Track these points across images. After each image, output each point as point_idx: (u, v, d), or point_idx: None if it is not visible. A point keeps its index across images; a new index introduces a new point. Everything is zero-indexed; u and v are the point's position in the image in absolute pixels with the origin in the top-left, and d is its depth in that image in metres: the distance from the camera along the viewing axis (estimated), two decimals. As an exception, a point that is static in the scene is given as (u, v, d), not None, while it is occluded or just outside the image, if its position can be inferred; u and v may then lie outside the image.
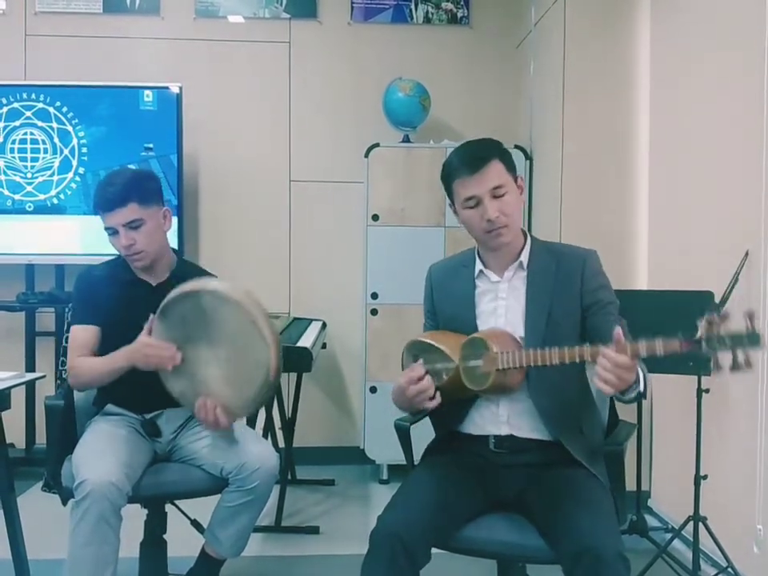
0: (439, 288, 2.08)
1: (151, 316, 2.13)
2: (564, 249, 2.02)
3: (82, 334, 2.28)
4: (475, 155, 1.88)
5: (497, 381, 1.79)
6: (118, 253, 2.34)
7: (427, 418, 2.10)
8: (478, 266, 2.01)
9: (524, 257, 1.97)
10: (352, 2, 4.32)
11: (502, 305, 1.96)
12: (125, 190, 2.22)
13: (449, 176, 1.93)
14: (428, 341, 1.94)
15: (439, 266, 2.14)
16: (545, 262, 1.96)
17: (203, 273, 2.46)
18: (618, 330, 1.61)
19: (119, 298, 2.28)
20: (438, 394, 1.83)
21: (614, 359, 1.58)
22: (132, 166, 3.82)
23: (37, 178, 4.00)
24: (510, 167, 1.91)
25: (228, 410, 2.12)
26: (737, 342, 1.49)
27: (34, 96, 3.98)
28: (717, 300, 2.60)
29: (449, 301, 2.04)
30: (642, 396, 1.74)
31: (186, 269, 2.43)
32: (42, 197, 4.00)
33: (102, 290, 2.30)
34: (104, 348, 2.27)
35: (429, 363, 1.89)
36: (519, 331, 1.90)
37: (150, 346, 2.12)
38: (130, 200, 2.21)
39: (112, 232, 2.25)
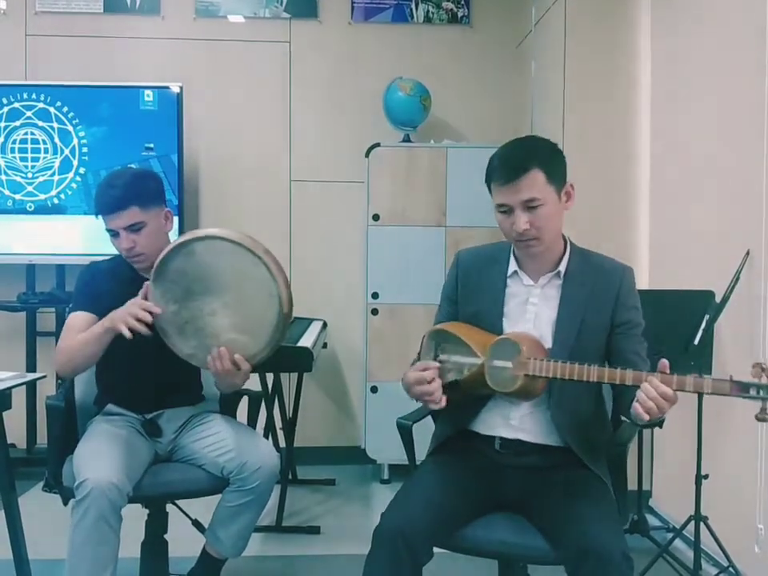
0: (467, 277, 2.01)
1: (146, 282, 2.07)
2: (603, 261, 1.96)
3: (78, 320, 2.22)
4: (515, 163, 1.81)
5: (523, 386, 1.75)
6: (118, 253, 2.33)
7: (429, 417, 2.10)
8: (513, 265, 1.95)
9: (562, 266, 1.92)
10: (352, 2, 4.32)
11: (531, 310, 1.91)
12: (125, 194, 2.19)
13: (488, 175, 1.87)
14: (455, 333, 1.89)
15: (469, 254, 2.06)
16: (582, 273, 1.91)
17: None
18: (664, 362, 1.60)
19: (120, 294, 2.26)
20: (444, 397, 1.78)
21: (660, 389, 1.56)
22: (133, 166, 3.82)
23: (37, 177, 4.00)
24: (553, 176, 1.82)
25: (246, 357, 2.06)
26: None
27: (34, 96, 3.98)
28: (717, 300, 2.61)
29: (475, 294, 1.97)
30: (662, 422, 1.73)
31: None
32: (42, 197, 4.00)
33: (104, 284, 2.29)
34: None
35: (451, 355, 1.85)
36: (546, 340, 1.86)
37: (134, 303, 2.04)
38: (130, 204, 2.18)
39: (113, 234, 2.23)
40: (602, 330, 1.89)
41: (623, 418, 2.00)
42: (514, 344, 1.77)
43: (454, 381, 1.83)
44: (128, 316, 2.03)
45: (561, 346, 1.85)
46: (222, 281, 2.02)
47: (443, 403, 1.79)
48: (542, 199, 1.80)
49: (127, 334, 2.01)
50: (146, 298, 2.07)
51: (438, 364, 1.82)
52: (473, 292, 1.98)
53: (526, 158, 1.82)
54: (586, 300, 1.89)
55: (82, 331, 2.18)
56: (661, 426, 1.77)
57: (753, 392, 1.50)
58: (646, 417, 1.58)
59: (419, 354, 1.98)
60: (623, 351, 1.87)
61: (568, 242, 1.96)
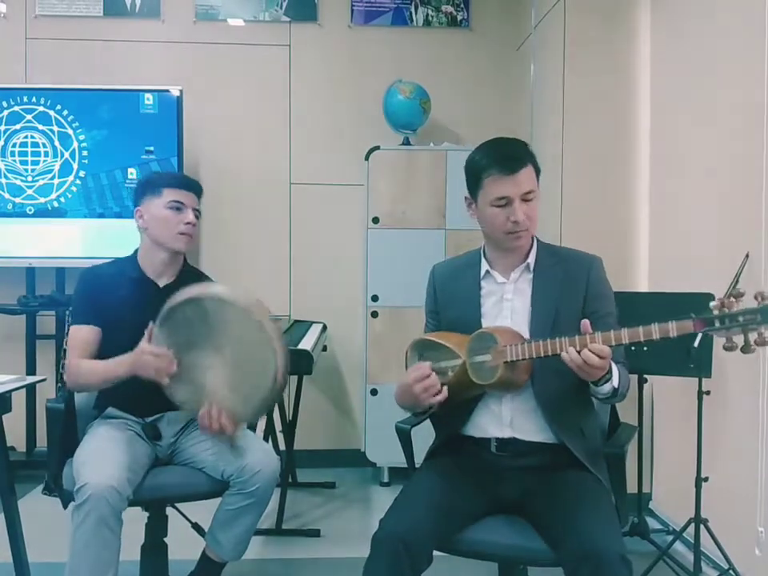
0: (443, 288, 2.07)
1: (151, 323, 2.12)
2: (570, 253, 2.02)
3: (82, 334, 2.28)
4: (513, 156, 1.88)
5: (504, 375, 1.78)
6: (118, 256, 2.38)
7: (428, 421, 2.10)
8: (484, 266, 2.01)
9: (531, 259, 1.97)
10: (352, 5, 4.33)
11: (507, 306, 1.96)
12: (196, 184, 2.43)
13: (480, 170, 1.89)
14: (433, 339, 1.95)
15: (443, 266, 2.14)
16: (551, 265, 1.97)
17: (207, 279, 2.47)
18: (585, 322, 1.69)
19: (124, 297, 2.28)
20: (444, 388, 1.83)
21: (572, 353, 1.68)
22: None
23: (37, 181, 4.00)
24: (538, 174, 1.93)
25: (233, 417, 2.10)
26: (750, 319, 1.50)
27: (34, 99, 3.99)
28: (717, 302, 2.60)
29: (453, 301, 2.03)
30: (616, 393, 1.80)
31: (191, 273, 2.45)
32: (42, 200, 4.00)
33: (105, 289, 2.30)
34: (108, 347, 2.27)
35: (434, 361, 1.88)
36: (524, 333, 1.90)
37: (146, 352, 2.10)
38: (201, 191, 2.43)
39: (178, 206, 2.33)
40: (575, 320, 1.89)
41: (621, 413, 2.09)
42: (489, 336, 1.82)
43: (441, 385, 1.84)
44: (149, 369, 2.09)
45: (538, 336, 1.87)
46: (224, 339, 2.06)
47: (446, 393, 1.83)
48: (535, 192, 1.89)
49: (166, 382, 2.11)
50: (150, 339, 2.12)
51: (428, 363, 1.86)
52: (450, 299, 2.04)
53: (523, 152, 1.91)
54: (557, 290, 1.93)
55: (85, 346, 2.25)
56: (618, 396, 1.84)
57: (716, 324, 1.55)
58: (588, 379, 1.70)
59: (406, 368, 2.01)
60: None
61: (534, 238, 2.01)
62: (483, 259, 2.02)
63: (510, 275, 1.98)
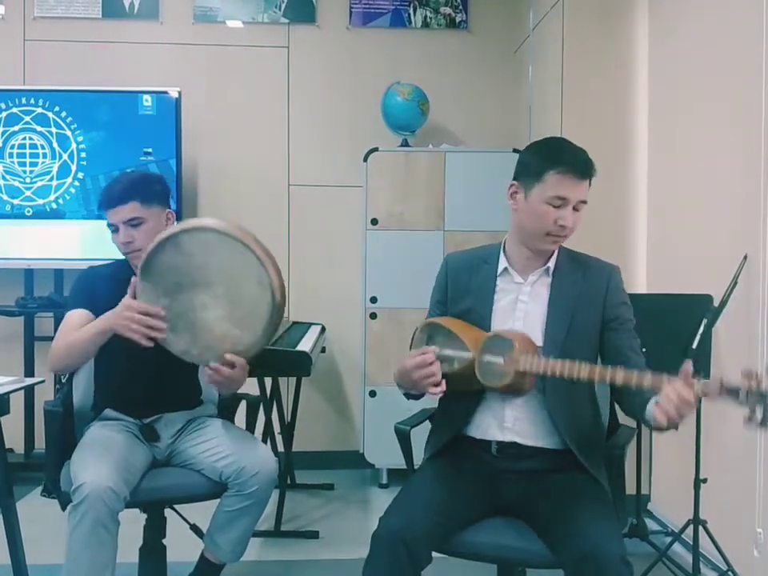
0: (456, 279, 2.02)
1: (133, 278, 2.05)
2: (590, 260, 2.00)
3: (74, 318, 2.23)
4: (586, 164, 1.86)
5: (513, 382, 1.76)
6: (118, 257, 2.35)
7: (428, 422, 2.10)
8: (503, 263, 1.98)
9: (551, 263, 1.95)
10: (350, 7, 4.33)
11: (521, 308, 1.93)
12: (128, 189, 2.24)
13: (549, 163, 1.84)
14: (448, 327, 1.89)
15: (458, 257, 2.08)
16: (571, 271, 1.95)
17: None
18: (689, 365, 1.58)
19: (118, 296, 2.27)
20: (443, 382, 1.79)
21: (682, 394, 1.55)
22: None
23: (36, 182, 4.00)
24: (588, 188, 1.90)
25: (240, 351, 2.02)
26: None
27: (32, 101, 3.99)
28: (716, 304, 2.61)
29: (466, 294, 1.99)
30: (677, 426, 1.70)
31: None
32: (40, 201, 4.00)
33: (101, 286, 2.29)
34: (102, 348, 2.21)
35: (442, 348, 1.85)
36: (536, 337, 1.87)
37: (132, 308, 2.00)
38: (131, 198, 2.22)
39: (114, 229, 2.26)
40: (591, 328, 1.91)
41: (620, 415, 2.02)
42: (506, 340, 1.79)
43: (443, 374, 1.81)
44: (132, 323, 1.99)
45: (551, 343, 1.87)
46: (211, 273, 1.97)
47: (443, 386, 1.79)
48: (585, 204, 1.88)
49: (146, 343, 2.00)
50: (134, 294, 2.04)
51: (435, 348, 1.82)
52: (463, 292, 2.00)
53: (592, 164, 1.88)
54: (575, 298, 1.91)
55: (79, 328, 2.18)
56: (677, 429, 1.73)
57: (741, 397, 1.50)
58: (664, 421, 1.57)
59: (410, 347, 1.98)
60: (619, 347, 1.88)
61: None
62: (502, 255, 1.98)
63: (529, 277, 1.95)
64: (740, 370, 1.53)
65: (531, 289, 1.94)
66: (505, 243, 2.01)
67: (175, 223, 2.38)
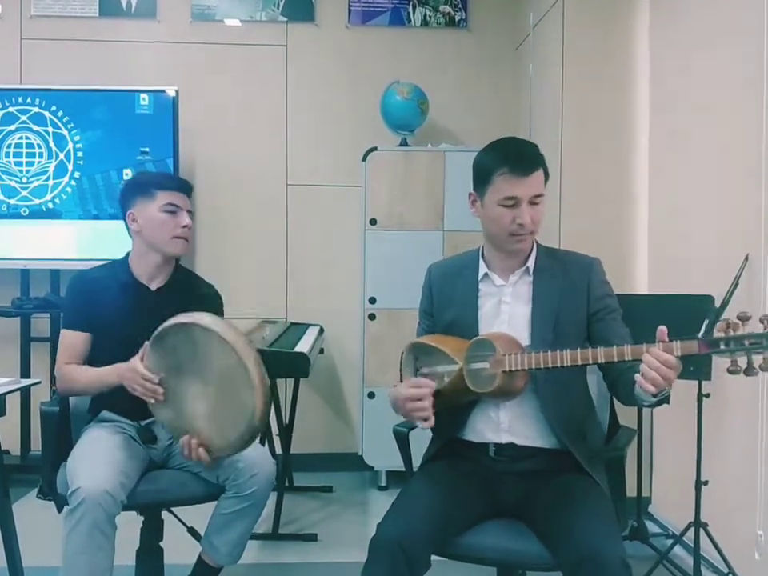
0: (440, 289, 2.04)
1: (146, 343, 2.10)
2: (569, 256, 2.00)
3: (71, 340, 2.27)
4: (528, 158, 1.86)
5: (502, 383, 1.75)
6: (113, 258, 2.37)
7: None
8: (482, 268, 1.98)
9: (531, 262, 1.95)
10: (349, 5, 4.31)
11: (505, 310, 1.93)
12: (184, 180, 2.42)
13: (492, 167, 1.85)
14: (431, 344, 1.91)
15: (440, 266, 2.10)
16: (551, 268, 1.95)
17: (199, 280, 2.47)
18: (663, 329, 1.59)
19: (115, 302, 2.26)
20: (433, 418, 1.78)
21: (662, 357, 1.55)
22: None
23: (32, 182, 3.98)
24: (546, 179, 1.91)
25: (210, 448, 2.08)
26: (755, 343, 1.48)
27: (29, 100, 3.97)
28: (717, 304, 2.59)
29: (450, 303, 2.00)
30: (667, 397, 1.70)
31: (183, 275, 2.44)
32: (37, 201, 3.98)
33: (96, 294, 2.28)
34: (100, 351, 2.26)
35: (430, 366, 1.86)
36: (524, 337, 1.87)
37: (137, 372, 2.09)
38: (192, 190, 2.41)
39: (172, 209, 2.29)
40: (578, 323, 1.91)
41: (620, 416, 2.00)
42: (488, 343, 1.79)
43: (436, 391, 1.82)
44: (136, 384, 2.10)
45: (539, 341, 1.86)
46: (209, 371, 2.04)
47: (432, 422, 1.79)
48: (543, 197, 1.87)
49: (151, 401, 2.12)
50: (143, 356, 2.11)
51: (434, 384, 1.82)
52: (447, 301, 2.01)
53: (537, 156, 1.88)
54: (558, 294, 1.91)
55: (75, 352, 2.25)
56: (668, 402, 1.74)
57: (722, 347, 1.51)
58: (653, 388, 1.56)
59: (400, 370, 1.99)
60: (608, 337, 1.86)
61: (535, 241, 1.99)
62: (481, 260, 2.00)
63: (509, 278, 1.96)
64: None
65: (513, 289, 1.95)
66: (483, 249, 2.02)
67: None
